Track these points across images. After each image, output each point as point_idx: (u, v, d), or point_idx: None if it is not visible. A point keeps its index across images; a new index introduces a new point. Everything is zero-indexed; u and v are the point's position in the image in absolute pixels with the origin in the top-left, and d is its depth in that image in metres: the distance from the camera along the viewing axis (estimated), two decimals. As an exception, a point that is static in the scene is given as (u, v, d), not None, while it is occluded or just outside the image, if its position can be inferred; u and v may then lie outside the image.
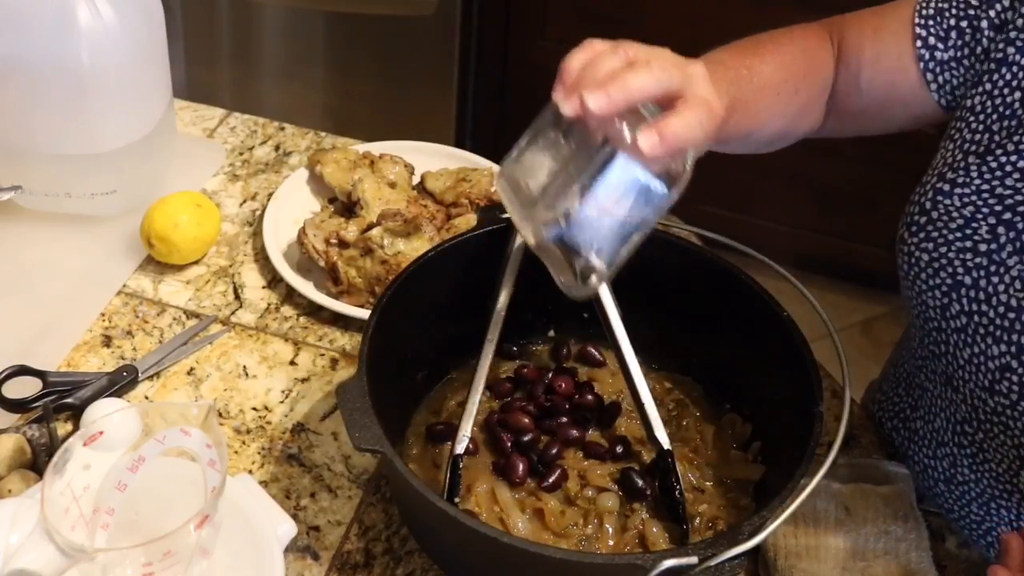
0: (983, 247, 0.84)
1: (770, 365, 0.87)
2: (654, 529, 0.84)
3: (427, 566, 0.85)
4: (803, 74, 0.94)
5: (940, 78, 0.91)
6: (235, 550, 0.77)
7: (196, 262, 1.10)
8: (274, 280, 1.09)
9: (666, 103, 0.72)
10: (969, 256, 0.85)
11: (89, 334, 1.02)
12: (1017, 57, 0.85)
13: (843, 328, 2.30)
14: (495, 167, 1.19)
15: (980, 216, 0.85)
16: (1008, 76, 0.85)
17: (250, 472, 0.91)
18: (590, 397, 0.93)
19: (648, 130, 0.69)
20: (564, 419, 0.91)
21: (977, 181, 0.85)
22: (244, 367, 1.00)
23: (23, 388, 0.92)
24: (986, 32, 0.88)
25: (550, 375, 0.94)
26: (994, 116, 0.86)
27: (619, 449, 0.90)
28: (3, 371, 0.92)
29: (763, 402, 0.90)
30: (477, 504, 0.85)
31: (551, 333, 1.00)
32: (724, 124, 0.77)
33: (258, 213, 1.17)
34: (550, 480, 0.86)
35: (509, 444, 0.88)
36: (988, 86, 0.87)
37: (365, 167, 1.16)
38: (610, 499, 0.86)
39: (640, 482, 0.86)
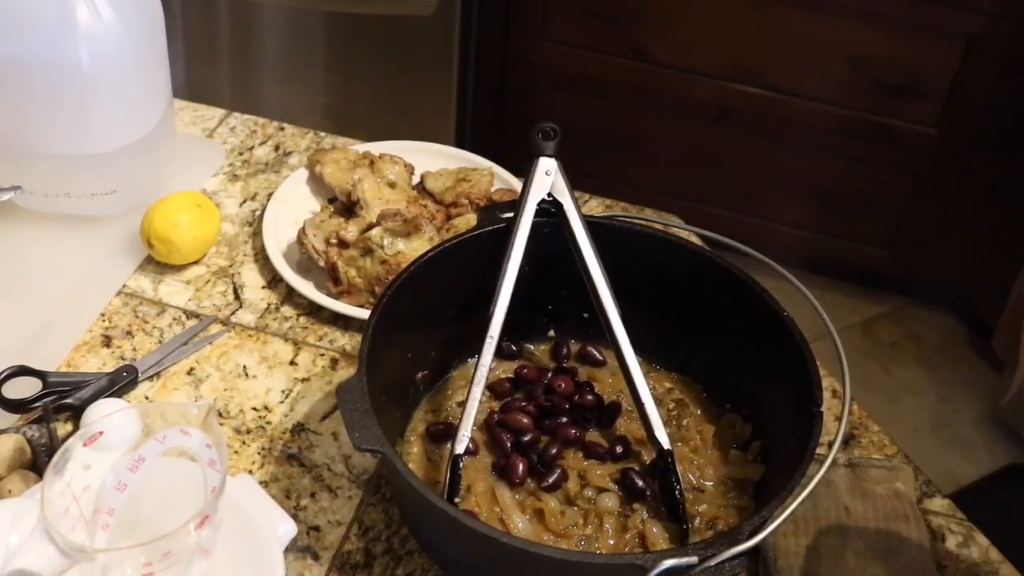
0: None
1: (770, 365, 0.87)
2: (654, 529, 0.84)
3: (427, 566, 0.85)
4: None
5: None
6: (235, 550, 0.77)
7: (196, 262, 1.10)
8: (274, 280, 1.09)
9: None
10: None
11: (89, 334, 1.02)
12: None
13: (843, 328, 2.31)
14: (495, 167, 1.19)
15: None
16: None
17: (250, 472, 0.91)
18: (590, 397, 0.93)
19: None
20: (564, 419, 0.91)
21: None
22: (244, 367, 1.00)
23: (23, 388, 0.92)
24: None
25: (550, 375, 0.94)
26: None
27: (619, 449, 0.90)
28: (3, 371, 0.92)
29: (763, 402, 0.90)
30: (477, 504, 0.85)
31: (551, 333, 1.00)
32: None
33: (258, 213, 1.17)
34: (550, 480, 0.86)
35: (509, 444, 0.88)
36: None
37: (365, 167, 1.16)
38: (610, 499, 0.86)
39: (640, 482, 0.86)
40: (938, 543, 0.90)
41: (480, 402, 0.85)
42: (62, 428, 0.92)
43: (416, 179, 1.18)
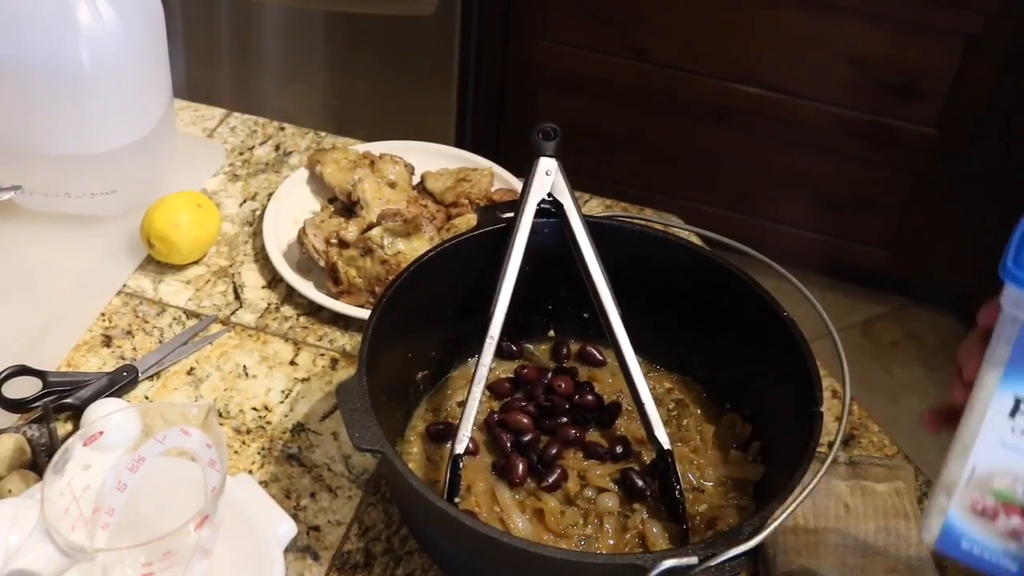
0: None
1: (770, 365, 0.87)
2: (654, 529, 0.84)
3: (427, 566, 0.85)
4: None
5: None
6: (235, 550, 0.77)
7: (196, 262, 1.10)
8: (274, 280, 1.09)
9: None
10: None
11: (89, 334, 1.02)
12: None
13: (843, 328, 2.30)
14: (495, 167, 1.19)
15: None
16: None
17: (250, 472, 0.91)
18: (590, 397, 0.93)
19: None
20: (564, 419, 0.91)
21: None
22: (244, 367, 1.00)
23: (23, 388, 0.92)
24: None
25: (550, 375, 0.94)
26: None
27: (619, 449, 0.90)
28: (3, 371, 0.92)
29: (763, 402, 0.90)
30: (477, 504, 0.85)
31: (551, 333, 1.00)
32: None
33: (258, 213, 1.17)
34: (550, 480, 0.86)
35: (509, 444, 0.88)
36: None
37: (365, 167, 1.16)
38: (610, 499, 0.86)
39: (640, 482, 0.86)
40: (938, 543, 0.90)
41: (480, 402, 0.85)
42: (62, 428, 0.92)
43: (416, 179, 1.18)
